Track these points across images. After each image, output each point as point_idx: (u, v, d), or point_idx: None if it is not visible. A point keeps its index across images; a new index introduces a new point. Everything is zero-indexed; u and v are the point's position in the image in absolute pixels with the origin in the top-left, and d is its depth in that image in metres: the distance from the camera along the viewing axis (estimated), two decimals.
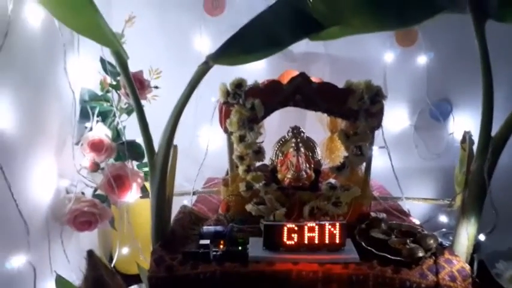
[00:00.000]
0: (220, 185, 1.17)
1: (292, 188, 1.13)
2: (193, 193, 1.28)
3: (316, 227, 0.96)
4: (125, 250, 1.26)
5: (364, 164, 1.13)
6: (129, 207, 1.25)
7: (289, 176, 1.18)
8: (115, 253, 1.29)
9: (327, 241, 0.97)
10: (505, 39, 1.24)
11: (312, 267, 0.92)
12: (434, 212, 1.46)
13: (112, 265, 1.25)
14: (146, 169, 1.28)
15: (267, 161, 1.21)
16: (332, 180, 1.19)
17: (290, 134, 1.26)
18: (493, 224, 1.01)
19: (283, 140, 1.26)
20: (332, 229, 0.96)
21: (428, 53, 1.52)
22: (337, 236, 0.97)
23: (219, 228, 1.06)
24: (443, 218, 1.50)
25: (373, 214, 1.18)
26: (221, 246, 0.99)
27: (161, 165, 0.97)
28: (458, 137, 1.55)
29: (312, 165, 1.22)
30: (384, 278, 0.91)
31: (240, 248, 0.98)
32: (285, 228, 0.96)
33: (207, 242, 1.01)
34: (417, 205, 1.37)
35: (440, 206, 1.39)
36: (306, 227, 0.96)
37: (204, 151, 1.28)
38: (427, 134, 1.57)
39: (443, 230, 1.46)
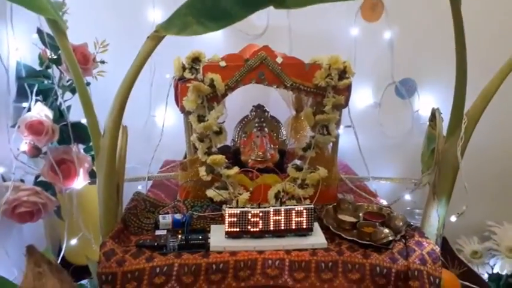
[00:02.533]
0: (178, 169, 1.07)
1: (256, 171, 1.06)
2: (148, 178, 1.18)
3: (282, 211, 0.90)
4: (74, 241, 1.15)
5: (331, 143, 1.07)
6: (76, 194, 1.13)
7: (252, 157, 1.10)
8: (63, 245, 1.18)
9: (293, 226, 0.90)
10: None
11: (278, 255, 0.86)
12: (399, 192, 1.44)
13: (60, 258, 1.14)
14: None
15: (228, 142, 1.13)
16: (297, 162, 1.13)
17: (253, 113, 1.18)
18: (463, 204, 0.98)
19: (245, 119, 1.18)
20: (299, 214, 0.90)
21: (394, 28, 1.47)
22: (304, 221, 0.90)
23: (177, 216, 0.97)
24: (407, 196, 1.48)
25: (340, 195, 1.13)
26: (179, 236, 0.91)
27: (108, 148, 0.87)
28: (423, 114, 1.53)
29: (277, 146, 1.16)
30: (354, 264, 0.86)
31: (200, 237, 0.90)
32: (249, 214, 0.89)
33: (164, 231, 0.93)
34: (383, 185, 1.34)
35: (406, 185, 1.36)
36: (271, 212, 0.90)
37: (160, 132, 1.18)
38: (392, 111, 1.53)
39: (408, 208, 1.45)
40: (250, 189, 1.04)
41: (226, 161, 1.01)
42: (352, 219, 1.00)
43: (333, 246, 0.90)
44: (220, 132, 1.01)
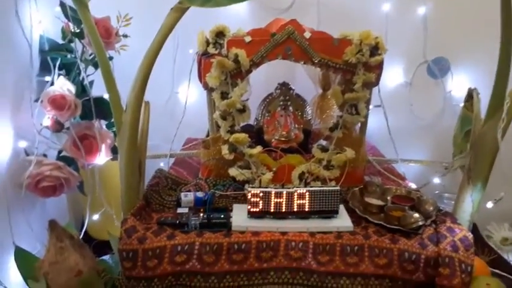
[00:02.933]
0: (200, 147, 1.05)
1: (279, 151, 1.03)
2: (171, 155, 1.16)
3: (307, 193, 0.87)
4: (96, 217, 1.15)
5: (359, 124, 1.03)
6: (99, 170, 1.13)
7: (276, 137, 1.07)
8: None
9: (318, 208, 0.87)
10: None
11: (301, 237, 0.83)
12: (427, 175, 1.38)
13: (82, 233, 1.14)
14: None
15: (252, 121, 1.10)
16: (323, 142, 1.09)
17: (278, 90, 1.14)
18: (496, 190, 0.93)
19: (270, 97, 1.14)
20: (324, 195, 0.87)
21: (427, 4, 1.39)
22: (330, 203, 0.87)
23: (199, 194, 0.95)
24: (436, 180, 1.42)
25: (367, 178, 1.09)
26: (201, 215, 0.89)
27: (130, 124, 0.85)
28: (456, 95, 1.46)
29: (302, 126, 1.12)
30: (381, 249, 0.82)
31: (222, 216, 0.88)
32: (272, 195, 0.86)
33: (185, 210, 0.91)
34: (411, 168, 1.29)
35: (436, 168, 1.31)
36: (295, 194, 0.87)
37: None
38: (423, 92, 1.46)
39: (436, 192, 1.39)
40: (274, 169, 1.01)
41: (249, 140, 0.98)
42: (380, 203, 0.96)
43: (359, 230, 0.87)
44: (243, 110, 0.98)
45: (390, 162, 1.19)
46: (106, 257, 1.03)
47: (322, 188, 0.87)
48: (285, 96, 1.11)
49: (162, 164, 1.23)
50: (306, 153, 1.04)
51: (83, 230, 1.15)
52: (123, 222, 0.85)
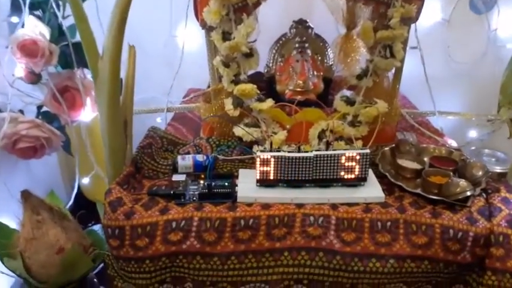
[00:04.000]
0: (200, 101, 0.88)
1: (295, 104, 0.85)
2: (167, 110, 1.00)
3: (328, 157, 0.71)
4: (87, 180, 1.02)
5: (393, 69, 0.84)
6: (86, 127, 0.98)
7: (291, 87, 0.90)
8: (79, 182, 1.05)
9: (342, 175, 0.72)
10: None
11: (321, 211, 0.69)
12: (463, 129, 1.20)
13: (73, 198, 1.02)
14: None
15: (261, 68, 0.92)
16: (347, 93, 0.91)
17: (293, 30, 0.95)
18: None
19: (283, 38, 0.96)
20: (349, 160, 0.71)
21: None
22: (357, 169, 0.71)
23: (198, 157, 0.80)
24: (472, 133, 1.24)
25: (399, 135, 0.92)
26: (201, 183, 0.75)
27: (110, 73, 0.68)
28: (502, 35, 1.23)
29: (321, 73, 0.94)
30: (419, 225, 0.67)
31: (226, 184, 0.74)
32: (286, 159, 0.70)
33: (183, 177, 0.76)
34: (444, 121, 1.11)
35: (473, 122, 1.12)
36: (314, 157, 0.70)
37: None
38: (463, 30, 1.24)
39: (473, 148, 1.21)
40: (288, 126, 0.85)
41: (258, 92, 0.81)
42: (416, 166, 0.79)
43: (391, 201, 0.71)
44: (250, 54, 0.80)
45: (425, 115, 1.01)
46: (97, 227, 0.91)
47: (347, 151, 0.71)
48: (301, 37, 0.93)
49: (159, 120, 1.07)
50: (327, 106, 0.87)
51: (73, 194, 1.02)
52: (107, 193, 0.71)
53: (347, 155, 0.70)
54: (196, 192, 0.72)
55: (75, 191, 1.02)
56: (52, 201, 0.86)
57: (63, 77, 0.93)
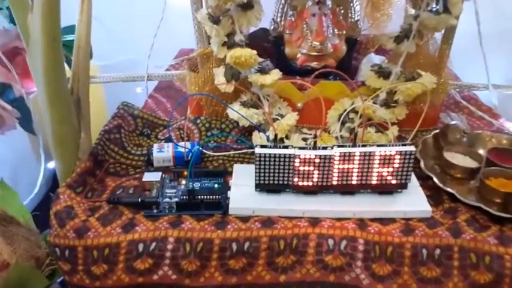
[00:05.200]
0: (185, 69, 0.67)
1: (309, 73, 0.64)
2: (148, 77, 0.79)
3: (357, 155, 0.50)
4: (51, 165, 0.84)
5: (443, 30, 0.62)
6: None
7: (304, 50, 0.68)
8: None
9: (374, 180, 0.52)
10: None
11: (345, 231, 0.50)
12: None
13: (37, 186, 0.84)
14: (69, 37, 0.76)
15: (265, 24, 0.70)
16: (376, 58, 0.70)
17: None
18: None
19: None
20: (387, 160, 0.51)
21: None
22: (396, 172, 0.51)
23: (179, 148, 0.61)
24: None
25: (443, 117, 0.71)
26: (182, 184, 0.56)
27: (43, 32, 0.47)
28: None
29: (344, 31, 0.71)
30: (481, 255, 0.48)
31: (215, 186, 0.55)
32: (298, 156, 0.50)
33: (157, 175, 0.57)
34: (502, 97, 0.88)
35: None
36: (335, 154, 0.50)
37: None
38: None
39: None
40: (299, 105, 0.64)
41: (260, 59, 0.59)
42: (469, 163, 0.59)
43: (440, 216, 0.52)
44: (249, 5, 0.58)
45: (475, 89, 0.79)
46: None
47: (384, 148, 0.50)
48: None
49: (139, 90, 0.87)
50: (351, 77, 0.65)
51: (38, 183, 0.84)
52: (54, 200, 0.52)
53: (384, 153, 0.50)
54: (173, 200, 0.53)
55: (41, 177, 0.84)
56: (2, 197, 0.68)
57: (11, 36, 0.73)
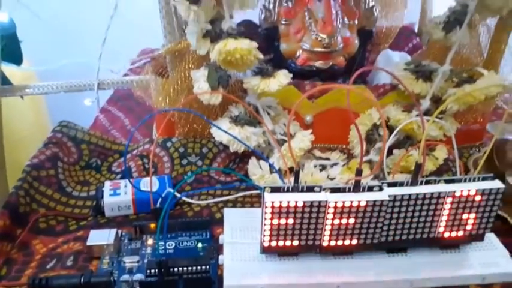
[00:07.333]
0: (148, 71, 0.48)
1: (312, 75, 0.47)
2: (98, 86, 0.59)
3: (419, 195, 0.33)
4: None
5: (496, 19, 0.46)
6: None
7: (306, 45, 0.51)
8: None
9: (440, 232, 0.35)
10: None
11: None
12: None
13: None
14: None
15: (251, 16, 0.53)
16: (396, 55, 0.55)
17: None
18: None
19: None
20: (463, 201, 0.34)
21: None
22: (472, 219, 0.34)
23: (143, 186, 0.42)
24: None
25: (490, 128, 0.55)
26: (148, 246, 0.37)
27: None
28: None
29: (357, 21, 0.55)
30: None
31: (199, 246, 0.37)
32: (332, 204, 0.33)
33: (110, 234, 0.38)
34: None
35: None
36: (389, 202, 0.33)
37: None
38: None
39: None
40: (308, 119, 0.47)
41: (261, 55, 0.41)
42: None
43: None
44: None
45: None
46: None
47: (456, 185, 0.33)
48: None
49: (87, 103, 0.66)
50: (362, 81, 0.49)
51: None
52: None
53: (459, 193, 0.33)
54: (136, 277, 0.34)
55: None
56: None
57: None
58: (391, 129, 0.45)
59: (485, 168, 0.49)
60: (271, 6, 0.56)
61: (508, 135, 0.52)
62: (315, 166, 0.42)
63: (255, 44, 0.39)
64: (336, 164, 0.44)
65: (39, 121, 0.85)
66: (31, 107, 0.85)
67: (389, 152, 0.45)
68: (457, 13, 0.43)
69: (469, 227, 0.35)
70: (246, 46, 0.37)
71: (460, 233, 0.35)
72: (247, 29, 0.55)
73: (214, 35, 0.40)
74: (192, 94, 0.42)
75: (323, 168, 0.43)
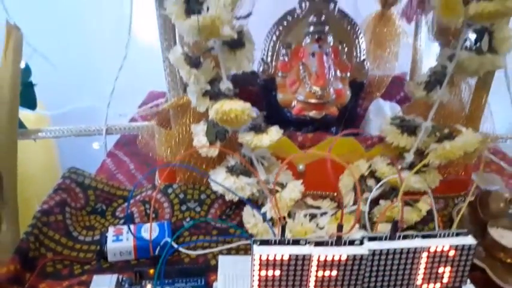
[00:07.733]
0: (153, 125, 0.52)
1: (306, 124, 0.51)
2: (107, 131, 0.63)
3: (397, 250, 0.36)
4: None
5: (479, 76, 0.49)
6: None
7: (301, 97, 0.55)
8: None
9: (415, 283, 0.37)
10: None
11: None
12: None
13: None
14: None
15: (254, 67, 0.57)
16: (386, 105, 0.58)
17: (305, 4, 0.59)
18: None
19: (290, 17, 0.60)
20: (437, 259, 0.36)
21: None
22: (448, 274, 0.37)
23: (144, 233, 0.44)
24: None
25: (475, 178, 0.58)
26: None
27: None
28: None
29: (349, 73, 0.59)
30: None
31: None
32: (316, 257, 0.35)
33: (111, 280, 0.40)
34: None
35: None
36: (368, 257, 0.35)
37: None
38: None
39: None
40: (301, 167, 0.50)
41: (256, 112, 0.45)
42: None
43: None
44: (239, 42, 0.43)
45: (500, 141, 0.67)
46: None
47: (433, 240, 0.36)
48: (318, 15, 0.57)
49: (96, 146, 0.70)
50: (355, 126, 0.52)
51: None
52: None
53: (433, 249, 0.35)
54: None
55: None
56: None
57: None
58: (378, 180, 0.48)
59: (470, 218, 0.51)
60: (269, 59, 0.60)
61: (491, 186, 0.55)
62: (305, 216, 0.45)
63: (248, 105, 0.42)
64: (325, 213, 0.46)
65: (50, 161, 0.89)
66: (42, 148, 0.89)
67: (376, 202, 0.47)
68: (437, 73, 0.46)
69: (445, 280, 0.37)
70: (240, 107, 0.41)
71: (437, 286, 0.37)
72: (248, 78, 0.59)
73: (213, 93, 0.44)
74: (192, 147, 0.46)
75: (313, 217, 0.46)
